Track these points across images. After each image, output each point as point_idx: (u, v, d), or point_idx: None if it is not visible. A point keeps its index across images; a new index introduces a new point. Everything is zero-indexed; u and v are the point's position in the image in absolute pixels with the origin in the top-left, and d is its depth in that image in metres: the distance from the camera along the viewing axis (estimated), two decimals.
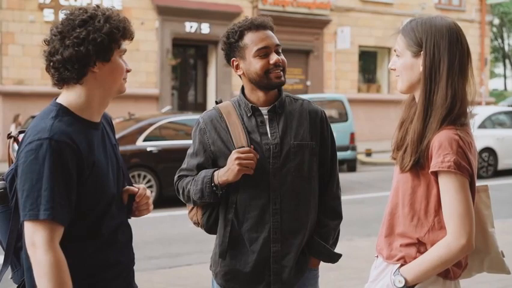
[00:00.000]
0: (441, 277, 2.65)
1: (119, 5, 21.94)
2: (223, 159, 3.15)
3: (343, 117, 17.69)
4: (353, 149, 17.87)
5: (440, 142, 2.57)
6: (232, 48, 3.22)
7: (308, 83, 26.19)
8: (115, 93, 2.65)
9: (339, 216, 3.37)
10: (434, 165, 2.58)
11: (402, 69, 2.74)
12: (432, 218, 2.64)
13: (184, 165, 3.33)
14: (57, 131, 2.43)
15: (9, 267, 2.62)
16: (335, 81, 26.76)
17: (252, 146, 3.12)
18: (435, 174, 2.60)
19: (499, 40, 50.64)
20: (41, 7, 20.87)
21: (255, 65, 3.15)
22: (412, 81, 2.72)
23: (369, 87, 28.86)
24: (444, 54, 2.63)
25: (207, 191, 3.14)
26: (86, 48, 2.48)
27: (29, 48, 20.34)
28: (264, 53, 3.14)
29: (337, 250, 3.37)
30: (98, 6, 2.61)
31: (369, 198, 13.44)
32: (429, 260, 2.60)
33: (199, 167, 3.24)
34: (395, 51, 2.79)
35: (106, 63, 2.55)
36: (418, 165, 2.66)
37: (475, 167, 2.64)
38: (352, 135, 17.74)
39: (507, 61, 52.70)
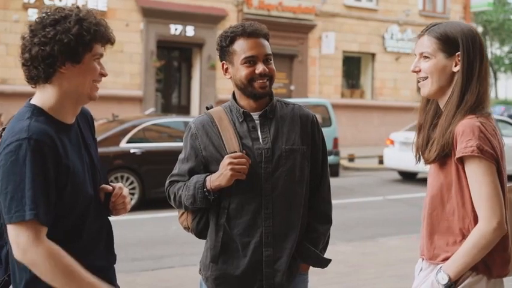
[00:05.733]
0: (486, 276, 2.72)
1: (103, 6, 21.87)
2: (215, 164, 3.15)
3: (326, 122, 17.70)
4: (336, 154, 17.88)
5: (463, 129, 2.66)
6: (223, 52, 3.22)
7: (292, 87, 26.21)
8: (85, 98, 2.62)
9: (329, 221, 3.38)
10: (458, 152, 2.66)
11: (434, 71, 2.81)
12: (471, 208, 2.70)
13: (175, 171, 3.32)
14: (35, 130, 2.42)
15: None
16: (318, 86, 26.80)
17: (244, 151, 3.12)
18: (462, 162, 2.67)
19: None
20: (26, 7, 20.77)
21: (241, 72, 3.15)
22: (442, 83, 2.81)
23: (353, 93, 28.94)
24: (477, 55, 2.76)
25: (199, 196, 3.14)
26: (51, 48, 2.47)
27: (12, 47, 20.21)
28: (251, 60, 3.14)
29: None
30: (78, 7, 2.59)
31: (352, 203, 13.47)
32: (465, 250, 2.66)
33: (191, 172, 3.24)
34: (420, 54, 2.84)
35: (76, 64, 2.53)
36: (445, 157, 2.74)
37: (502, 153, 2.72)
38: (335, 140, 17.77)
39: (490, 69, 53.03)
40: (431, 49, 2.80)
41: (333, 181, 3.45)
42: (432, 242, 2.83)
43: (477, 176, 2.64)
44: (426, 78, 2.84)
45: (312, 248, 3.29)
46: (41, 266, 2.36)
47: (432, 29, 2.83)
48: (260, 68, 3.13)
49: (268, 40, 3.23)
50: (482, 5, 32.48)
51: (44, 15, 2.55)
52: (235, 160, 3.05)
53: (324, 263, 3.36)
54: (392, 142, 17.50)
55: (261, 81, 3.15)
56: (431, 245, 2.83)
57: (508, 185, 2.87)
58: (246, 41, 3.15)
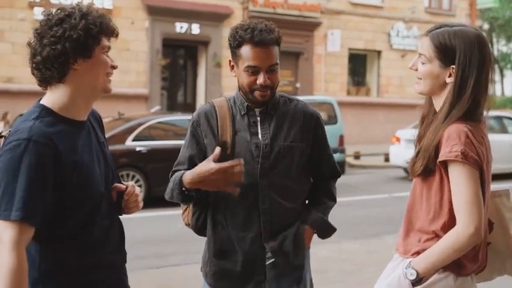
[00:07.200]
0: (454, 273, 2.71)
1: (109, 4, 21.89)
2: (211, 152, 3.16)
3: (332, 119, 17.67)
4: (342, 151, 17.87)
5: (449, 134, 2.65)
6: (231, 51, 3.22)
7: (298, 85, 26.19)
8: (99, 92, 2.64)
9: (335, 200, 3.44)
10: (441, 155, 2.65)
11: (427, 76, 2.80)
12: (448, 210, 2.68)
13: (177, 160, 3.34)
14: (37, 131, 2.44)
15: None
16: (324, 84, 26.78)
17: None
18: (446, 165, 2.66)
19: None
20: (31, 5, 20.79)
21: (243, 78, 3.16)
22: (434, 88, 2.81)
23: (358, 90, 28.91)
24: (474, 70, 2.71)
25: (176, 192, 3.15)
26: (62, 45, 2.49)
27: (18, 46, 20.23)
28: (253, 70, 3.12)
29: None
30: (78, 4, 2.63)
31: (357, 201, 13.48)
32: (438, 250, 2.65)
33: (191, 159, 3.25)
34: (420, 54, 2.83)
35: (88, 59, 2.55)
36: (430, 164, 2.72)
37: (488, 160, 2.71)
38: (341, 138, 17.73)
39: (496, 66, 52.90)
40: (429, 55, 2.78)
41: (338, 179, 3.47)
42: (406, 239, 2.83)
43: (459, 181, 2.61)
44: (420, 78, 2.84)
45: (319, 214, 3.32)
46: (4, 269, 2.33)
47: (435, 33, 2.79)
48: (261, 79, 3.12)
49: (279, 44, 3.21)
50: (488, 2, 32.40)
51: (47, 16, 2.57)
52: (230, 171, 2.97)
53: (329, 228, 3.38)
54: (398, 139, 17.48)
55: (262, 91, 3.15)
56: (404, 241, 2.83)
57: (499, 188, 2.90)
58: (252, 49, 3.12)
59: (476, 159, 2.61)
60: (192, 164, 3.23)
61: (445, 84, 2.77)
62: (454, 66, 2.72)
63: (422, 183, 2.78)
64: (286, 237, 3.21)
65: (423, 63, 2.81)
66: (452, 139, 2.62)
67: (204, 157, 3.20)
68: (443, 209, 2.70)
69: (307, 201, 3.39)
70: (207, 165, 3.00)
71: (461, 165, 2.60)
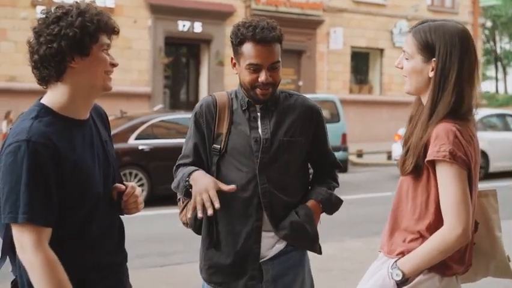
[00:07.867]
0: (439, 274, 2.68)
1: (111, 3, 21.89)
2: (208, 141, 3.22)
3: (335, 117, 17.68)
4: (345, 149, 17.88)
5: (437, 133, 2.61)
6: (233, 48, 3.23)
7: (300, 83, 26.19)
8: (98, 90, 2.62)
9: (338, 183, 3.45)
10: (429, 155, 2.61)
11: (411, 72, 2.78)
12: (433, 211, 2.66)
13: (181, 153, 3.35)
14: (36, 131, 2.42)
15: (10, 262, 2.63)
16: (327, 82, 26.77)
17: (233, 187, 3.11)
18: (433, 165, 2.63)
19: (491, 43, 50.82)
20: (34, 4, 20.79)
21: (244, 76, 3.17)
22: (419, 85, 2.78)
23: (361, 88, 28.89)
24: (455, 63, 2.67)
25: (182, 184, 3.18)
26: (58, 44, 2.47)
27: (21, 45, 20.20)
28: (254, 68, 3.13)
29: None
30: (76, 2, 2.60)
31: (359, 199, 13.47)
32: (425, 251, 2.62)
33: (196, 148, 3.27)
34: (404, 51, 2.81)
35: (86, 57, 2.53)
36: (420, 162, 2.69)
37: (476, 160, 2.67)
38: (344, 136, 17.75)
39: (499, 64, 52.87)
40: (411, 50, 2.76)
41: (341, 177, 3.47)
42: (391, 238, 2.80)
43: (447, 181, 2.58)
44: (406, 76, 2.82)
45: (324, 188, 3.33)
46: (37, 271, 2.37)
47: (418, 30, 2.77)
48: (263, 76, 3.13)
49: (281, 42, 3.21)
50: (491, 0, 32.36)
51: (45, 15, 2.56)
52: (206, 197, 3.00)
53: (336, 200, 3.36)
54: (401, 137, 17.45)
55: (263, 89, 3.16)
56: (389, 240, 2.80)
57: (486, 188, 2.88)
58: (254, 47, 3.12)
59: (465, 160, 2.58)
60: (196, 153, 3.26)
61: (429, 79, 2.73)
62: (435, 59, 2.70)
63: (409, 181, 2.75)
64: (293, 222, 3.21)
65: (407, 60, 2.79)
66: (440, 138, 2.59)
67: (206, 146, 3.24)
68: (429, 209, 2.67)
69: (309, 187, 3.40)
70: (209, 184, 3.03)
71: (449, 165, 2.57)
